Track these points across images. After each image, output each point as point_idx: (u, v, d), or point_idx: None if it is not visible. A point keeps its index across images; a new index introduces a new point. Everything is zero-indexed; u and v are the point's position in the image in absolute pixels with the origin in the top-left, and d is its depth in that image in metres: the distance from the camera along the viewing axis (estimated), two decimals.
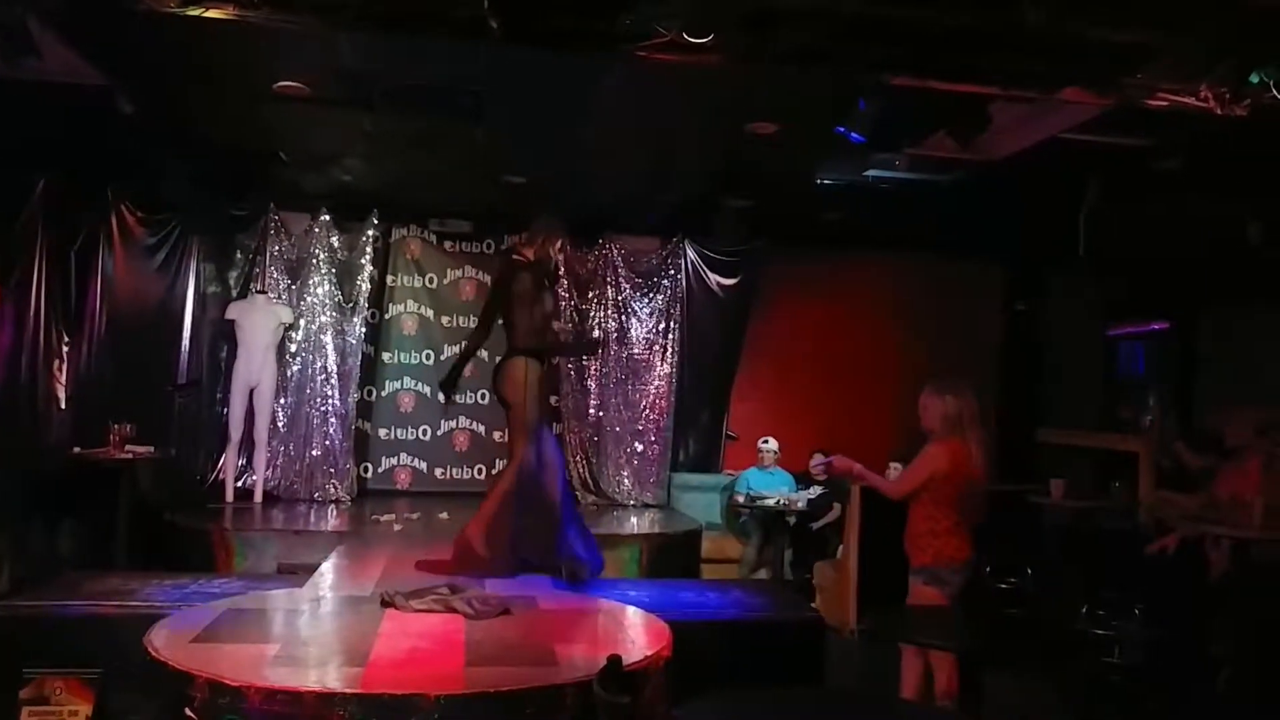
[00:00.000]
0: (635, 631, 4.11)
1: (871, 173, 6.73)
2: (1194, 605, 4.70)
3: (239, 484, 8.14)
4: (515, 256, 5.73)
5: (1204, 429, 5.79)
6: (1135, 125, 5.30)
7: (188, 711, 3.12)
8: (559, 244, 5.73)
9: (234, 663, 3.33)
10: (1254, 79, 4.36)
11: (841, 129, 5.19)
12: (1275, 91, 4.46)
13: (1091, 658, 4.66)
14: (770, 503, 7.91)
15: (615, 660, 2.63)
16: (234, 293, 8.48)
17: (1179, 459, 5.52)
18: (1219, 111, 4.56)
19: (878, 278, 9.66)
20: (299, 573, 5.70)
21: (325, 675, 3.31)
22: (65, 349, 7.15)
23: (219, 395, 8.32)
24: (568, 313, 9.09)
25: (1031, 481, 7.85)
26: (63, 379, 7.11)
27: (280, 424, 8.38)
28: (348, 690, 3.10)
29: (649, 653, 3.65)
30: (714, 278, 9.27)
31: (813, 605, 6.13)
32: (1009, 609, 5.31)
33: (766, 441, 8.50)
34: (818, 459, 8.10)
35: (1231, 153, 5.63)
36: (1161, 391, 9.20)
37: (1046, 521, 6.82)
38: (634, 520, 8.37)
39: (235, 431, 7.99)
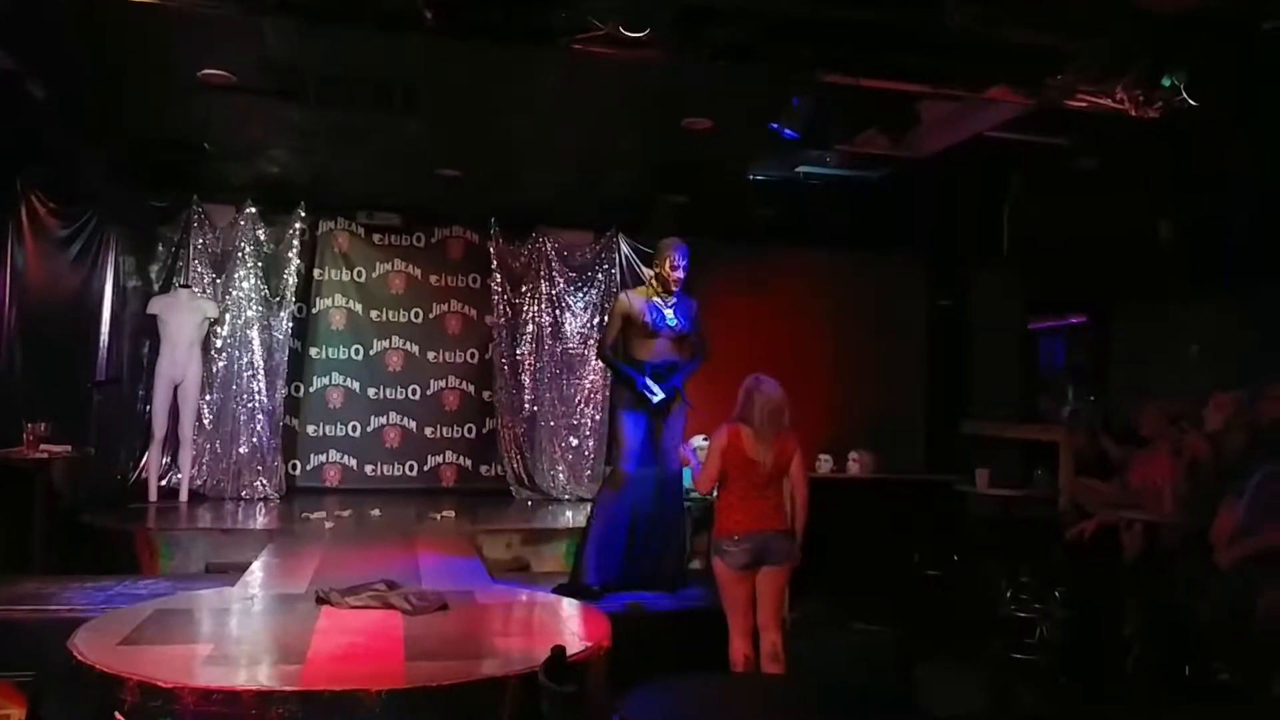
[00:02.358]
0: (574, 623, 4.13)
1: (803, 169, 6.82)
2: (1109, 587, 4.89)
3: (163, 483, 7.94)
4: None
5: (1123, 420, 6.01)
6: (1056, 125, 5.47)
7: (117, 715, 3.04)
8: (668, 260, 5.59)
9: (165, 664, 3.25)
10: (1166, 82, 4.54)
11: (775, 125, 5.26)
12: (1185, 95, 4.65)
13: (1014, 639, 4.82)
14: (699, 495, 7.97)
15: (559, 651, 2.65)
16: (156, 287, 8.26)
17: (1103, 449, 5.72)
18: (1133, 113, 4.74)
19: (807, 273, 9.80)
20: (229, 572, 5.61)
21: (262, 674, 3.27)
22: None
23: (141, 392, 8.08)
24: (501, 307, 9.05)
25: (956, 472, 8.07)
26: None
27: (206, 421, 8.20)
28: (286, 688, 3.05)
29: (589, 644, 3.67)
30: (648, 271, 9.25)
31: None
32: (937, 595, 5.45)
33: (696, 440, 8.53)
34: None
35: (1145, 153, 5.85)
36: (1080, 383, 9.52)
37: (971, 510, 7.02)
38: (569, 514, 8.36)
39: (159, 429, 7.78)
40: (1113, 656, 4.74)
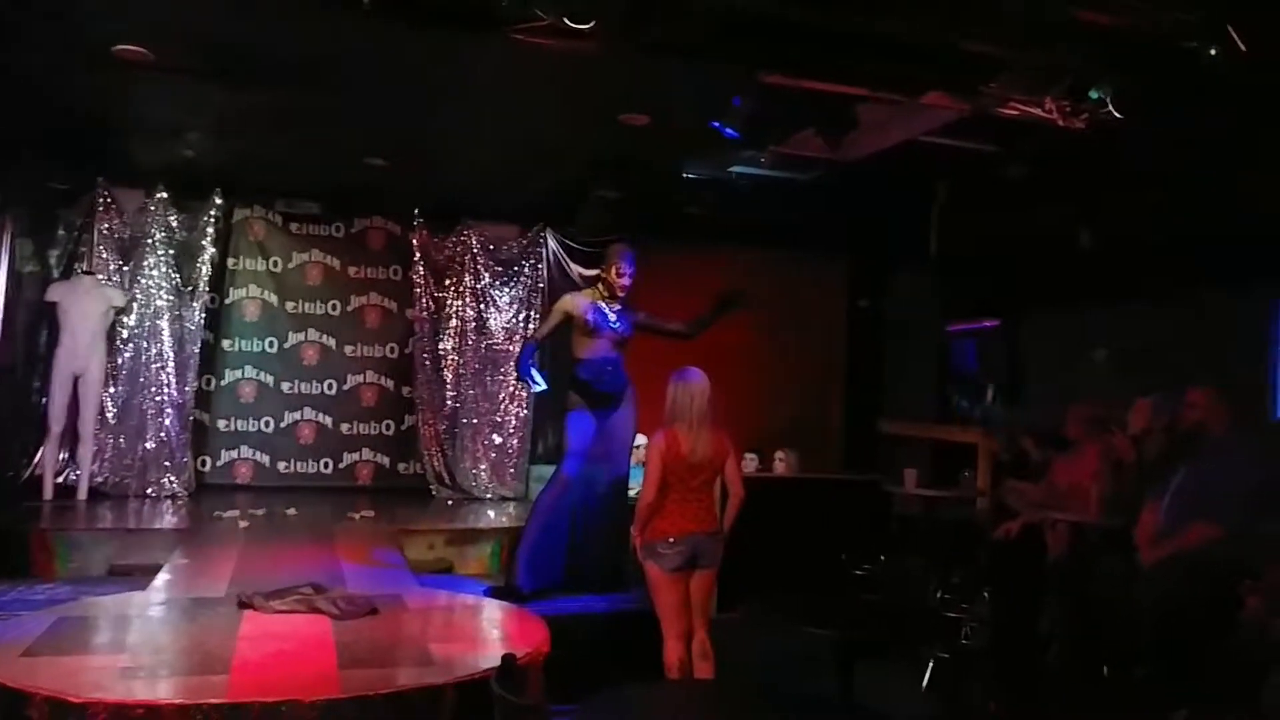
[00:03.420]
0: (511, 628, 4.03)
1: (736, 169, 6.82)
2: (1033, 587, 4.99)
3: (60, 480, 7.53)
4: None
5: (1038, 422, 6.15)
6: (986, 132, 5.57)
7: None
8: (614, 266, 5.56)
9: (75, 677, 3.04)
10: (1093, 95, 4.65)
11: (716, 124, 5.23)
12: (1111, 108, 4.77)
13: (943, 638, 4.88)
14: (632, 493, 7.92)
15: (510, 658, 2.55)
16: (56, 273, 7.84)
17: (1024, 451, 5.85)
18: (1060, 124, 4.85)
19: (734, 272, 9.75)
20: (135, 575, 5.38)
21: (184, 685, 3.08)
22: None
23: (37, 384, 7.65)
24: (424, 301, 8.85)
25: (874, 471, 8.18)
26: None
27: (109, 415, 7.81)
28: (213, 700, 2.88)
29: (528, 650, 3.57)
30: (575, 268, 9.21)
31: None
32: (865, 594, 5.50)
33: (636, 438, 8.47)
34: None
35: (1070, 163, 6.00)
36: (993, 386, 9.77)
37: (897, 510, 7.12)
38: (492, 514, 8.22)
39: (56, 424, 7.39)
40: (1034, 655, 4.84)
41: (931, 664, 4.92)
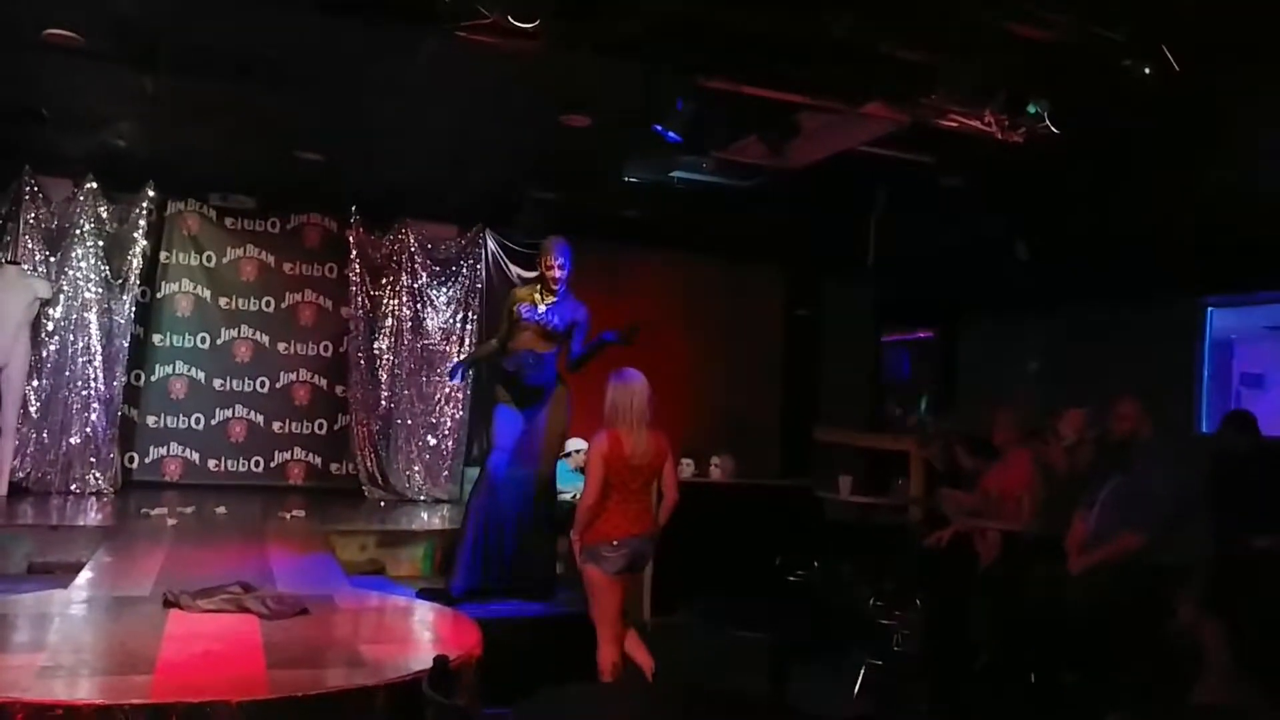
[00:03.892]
0: (444, 630, 4.00)
1: (677, 173, 6.85)
2: (964, 594, 5.10)
3: None
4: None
5: (969, 431, 6.29)
6: (925, 143, 5.68)
7: None
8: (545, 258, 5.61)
9: None
10: (1031, 109, 4.77)
11: (659, 127, 5.25)
12: (1047, 122, 4.91)
13: (875, 644, 4.95)
14: (565, 497, 7.92)
15: (442, 661, 2.55)
16: None
17: (955, 459, 5.98)
18: (999, 136, 4.96)
19: (673, 277, 9.89)
20: (56, 572, 5.26)
21: (106, 685, 3.01)
22: None
23: None
24: (359, 299, 8.74)
25: (811, 477, 8.30)
26: None
27: (32, 409, 7.57)
28: (136, 701, 2.82)
29: (460, 652, 3.55)
30: (514, 269, 9.18)
31: None
32: (801, 600, 5.57)
33: (575, 443, 8.44)
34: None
35: (1006, 174, 6.15)
36: (926, 395, 9.97)
37: (830, 516, 7.21)
38: (425, 515, 8.15)
39: None
40: (964, 661, 4.94)
41: (863, 669, 5.00)
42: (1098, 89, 4.68)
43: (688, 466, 8.39)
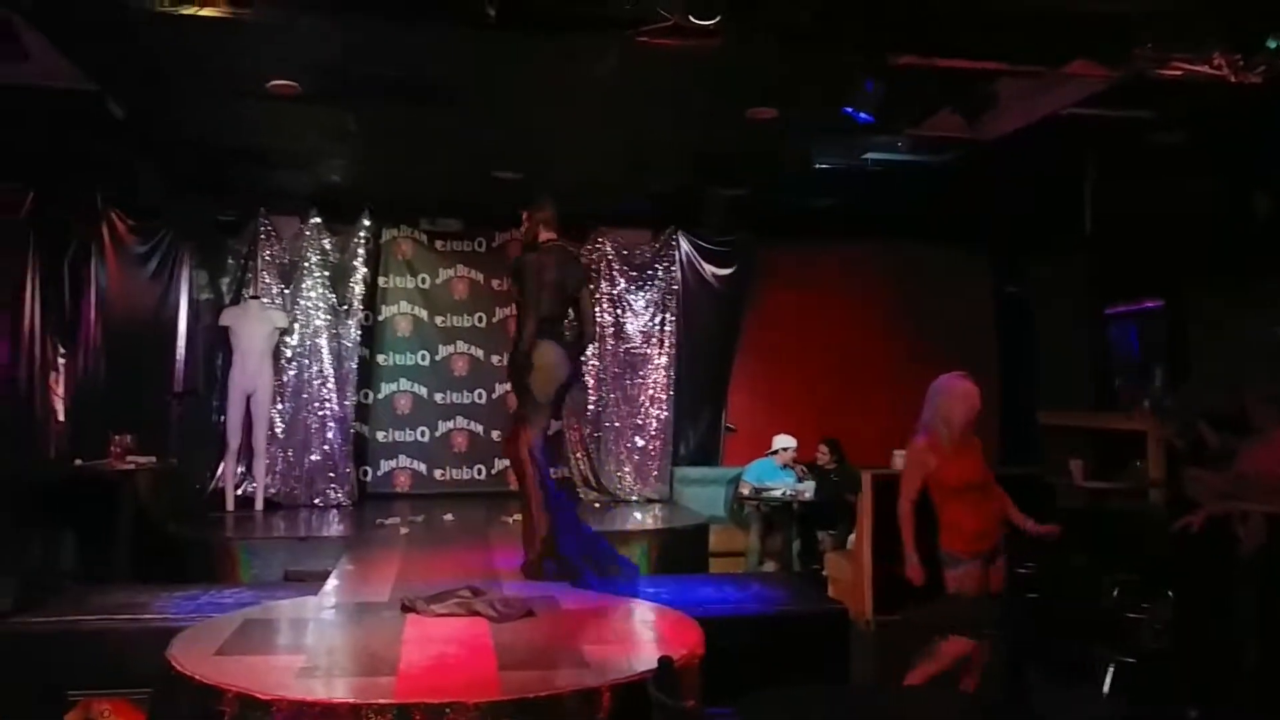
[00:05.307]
0: (665, 630, 4.04)
1: (870, 155, 6.66)
2: (1221, 584, 4.65)
3: (238, 492, 8.02)
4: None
5: (1216, 408, 5.74)
6: (1140, 98, 5.25)
7: None
8: (540, 219, 5.46)
9: (261, 675, 3.24)
10: (1271, 44, 4.29)
11: (849, 110, 5.10)
12: None
13: (1119, 641, 4.59)
14: (776, 494, 7.86)
15: (667, 662, 2.56)
16: (227, 299, 8.38)
17: (1200, 437, 5.47)
18: (1233, 79, 4.50)
19: (871, 263, 9.62)
20: (307, 580, 5.62)
21: (357, 686, 3.23)
22: (61, 360, 7.02)
23: (216, 403, 8.20)
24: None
25: (1033, 464, 7.84)
26: (60, 391, 6.97)
27: (278, 430, 8.27)
28: (382, 701, 3.01)
29: (684, 651, 3.57)
30: (709, 268, 9.21)
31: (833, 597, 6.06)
32: (1031, 595, 5.24)
33: (784, 440, 8.36)
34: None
35: (1236, 123, 5.59)
36: (1160, 370, 9.18)
37: (1061, 503, 6.77)
38: (638, 515, 8.30)
39: (233, 439, 7.87)
40: (1226, 659, 4.50)
41: (1112, 668, 4.63)
42: None
43: (900, 458, 8.13)
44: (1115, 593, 4.78)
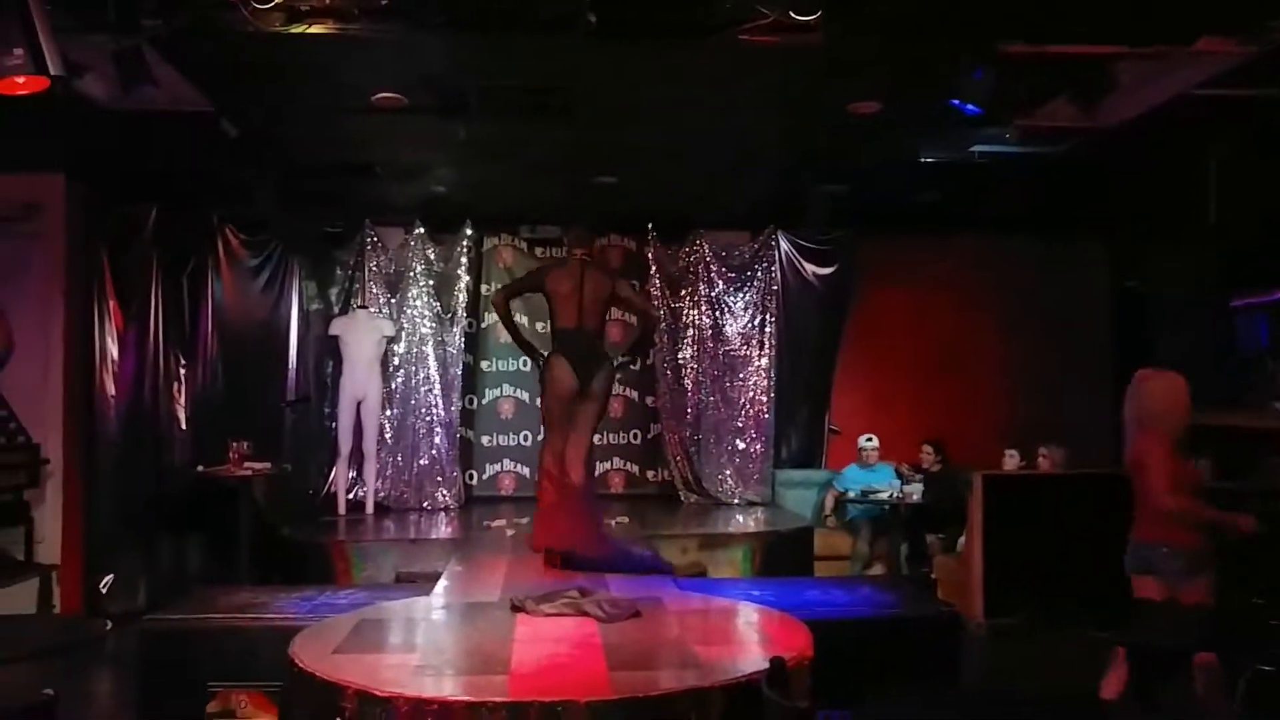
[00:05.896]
0: (773, 631, 3.98)
1: (978, 148, 6.47)
2: None
3: (349, 496, 8.24)
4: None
5: None
6: (1273, 75, 4.95)
7: None
8: (570, 238, 5.80)
9: (378, 673, 3.30)
10: None
11: (955, 101, 4.96)
12: None
13: (1261, 647, 4.32)
14: (883, 496, 7.71)
15: (779, 663, 2.51)
16: (336, 309, 8.62)
17: None
18: None
19: (979, 261, 9.35)
20: (418, 581, 5.73)
21: (471, 684, 3.26)
22: (183, 371, 7.35)
23: (327, 410, 8.45)
24: (662, 312, 9.00)
25: None
26: (182, 400, 7.30)
27: (387, 435, 8.47)
28: (497, 699, 3.03)
29: (792, 653, 3.50)
30: (809, 267, 9.09)
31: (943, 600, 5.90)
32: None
33: (870, 439, 8.33)
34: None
35: None
36: None
37: None
38: (741, 518, 8.25)
39: (344, 445, 8.09)
40: None
41: (1247, 676, 4.38)
42: None
43: (1011, 458, 7.91)
44: (1253, 597, 4.52)
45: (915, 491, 7.57)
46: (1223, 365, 9.26)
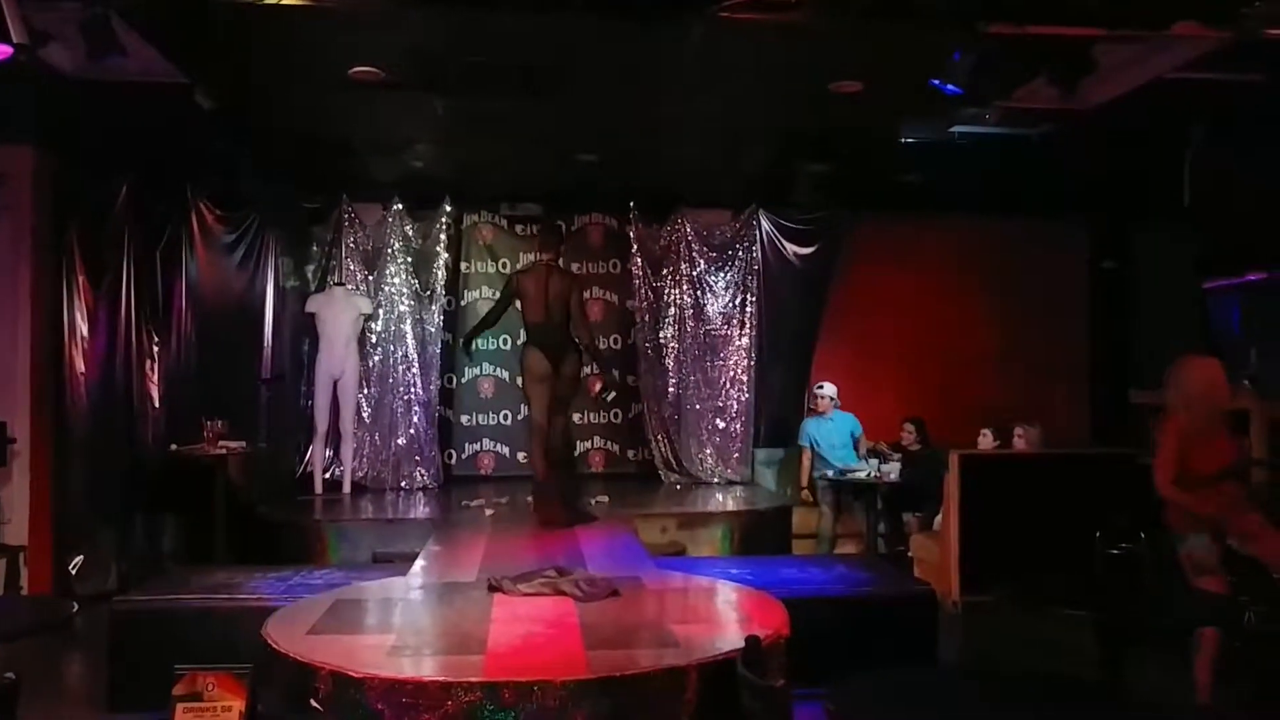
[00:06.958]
0: (750, 610, 3.99)
1: (959, 129, 6.47)
2: None
3: (326, 475, 8.20)
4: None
5: None
6: (1248, 60, 4.98)
7: (313, 703, 3.09)
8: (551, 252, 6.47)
9: (353, 653, 3.28)
10: None
11: (935, 82, 4.95)
12: None
13: (1224, 623, 4.39)
14: (861, 475, 7.73)
15: (755, 641, 2.52)
16: (313, 286, 8.56)
17: None
18: None
19: (960, 241, 9.38)
20: (395, 561, 5.73)
21: (447, 664, 3.26)
22: (156, 349, 7.23)
23: (304, 388, 8.39)
24: (643, 291, 8.98)
25: (1127, 444, 7.57)
26: (155, 378, 7.19)
27: (365, 414, 8.42)
28: (472, 679, 3.02)
29: (769, 632, 3.52)
30: (790, 247, 9.08)
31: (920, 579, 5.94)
32: (1127, 576, 5.07)
33: (822, 387, 8.26)
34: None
35: None
36: (1262, 346, 8.78)
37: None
38: (720, 497, 8.26)
39: (321, 423, 8.04)
40: None
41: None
42: None
43: (985, 438, 7.95)
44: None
45: (892, 470, 7.59)
46: (1195, 347, 9.35)
